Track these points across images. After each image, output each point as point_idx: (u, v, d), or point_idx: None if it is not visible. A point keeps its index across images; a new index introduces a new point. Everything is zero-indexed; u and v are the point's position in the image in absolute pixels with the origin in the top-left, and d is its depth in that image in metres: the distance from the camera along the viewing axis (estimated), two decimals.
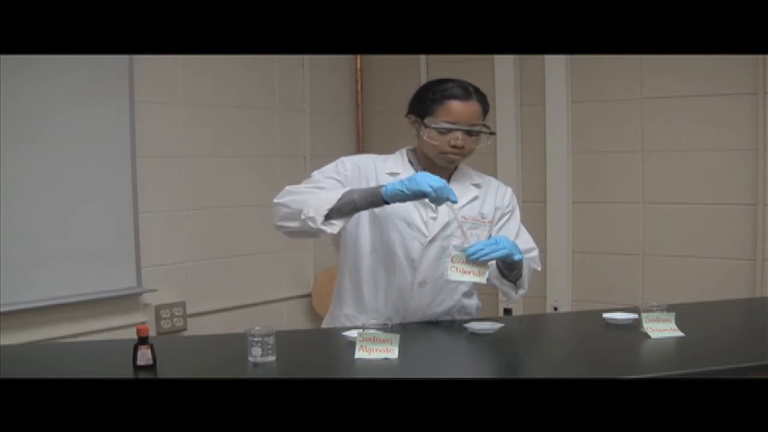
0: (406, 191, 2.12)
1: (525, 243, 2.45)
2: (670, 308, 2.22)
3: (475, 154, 2.42)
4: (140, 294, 3.51)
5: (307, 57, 4.22)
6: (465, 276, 2.08)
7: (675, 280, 3.72)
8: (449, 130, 2.29)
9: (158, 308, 3.59)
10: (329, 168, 2.39)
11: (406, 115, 2.40)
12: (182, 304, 3.67)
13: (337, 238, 2.41)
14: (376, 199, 2.17)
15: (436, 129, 2.30)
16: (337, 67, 4.42)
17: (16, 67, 2.99)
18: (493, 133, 2.37)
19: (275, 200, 2.29)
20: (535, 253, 2.47)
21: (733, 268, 3.63)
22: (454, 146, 2.30)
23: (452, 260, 2.10)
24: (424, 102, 2.34)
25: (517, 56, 4.04)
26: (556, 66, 3.93)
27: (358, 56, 4.46)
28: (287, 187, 2.31)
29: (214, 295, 3.83)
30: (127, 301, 3.47)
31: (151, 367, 1.86)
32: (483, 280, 2.15)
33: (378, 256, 2.37)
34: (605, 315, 2.39)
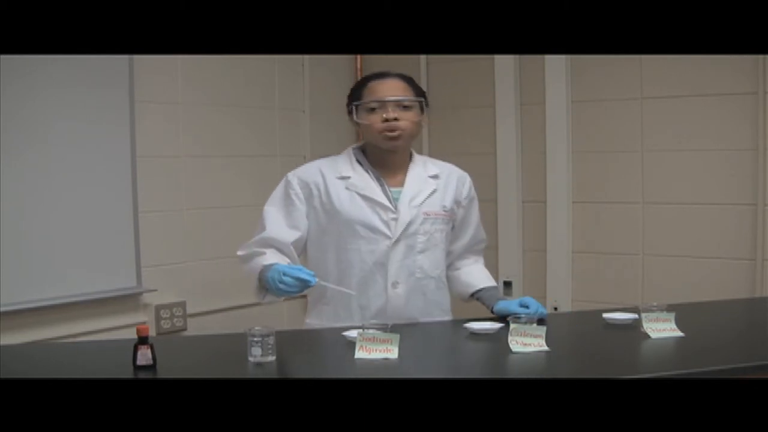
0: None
1: (481, 233, 2.60)
2: (670, 308, 2.22)
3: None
4: (140, 294, 3.51)
5: (307, 57, 4.22)
6: (527, 347, 2.06)
7: (675, 280, 3.71)
8: (376, 106, 2.36)
9: (158, 308, 3.58)
10: (279, 194, 2.45)
11: (349, 117, 2.47)
12: (182, 304, 3.67)
13: (303, 255, 2.45)
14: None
15: (364, 107, 2.38)
16: (337, 67, 4.41)
17: (17, 68, 2.99)
18: (424, 100, 2.42)
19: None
20: (485, 244, 2.64)
21: (733, 268, 3.62)
22: (387, 120, 2.35)
23: (511, 333, 2.07)
24: (352, 95, 2.45)
25: (517, 56, 4.04)
26: (556, 66, 3.93)
27: (358, 56, 4.46)
28: (239, 253, 2.42)
29: (214, 295, 3.82)
30: (127, 301, 3.47)
31: (151, 367, 1.86)
32: (545, 346, 2.08)
33: (347, 266, 2.37)
34: (605, 315, 2.39)
